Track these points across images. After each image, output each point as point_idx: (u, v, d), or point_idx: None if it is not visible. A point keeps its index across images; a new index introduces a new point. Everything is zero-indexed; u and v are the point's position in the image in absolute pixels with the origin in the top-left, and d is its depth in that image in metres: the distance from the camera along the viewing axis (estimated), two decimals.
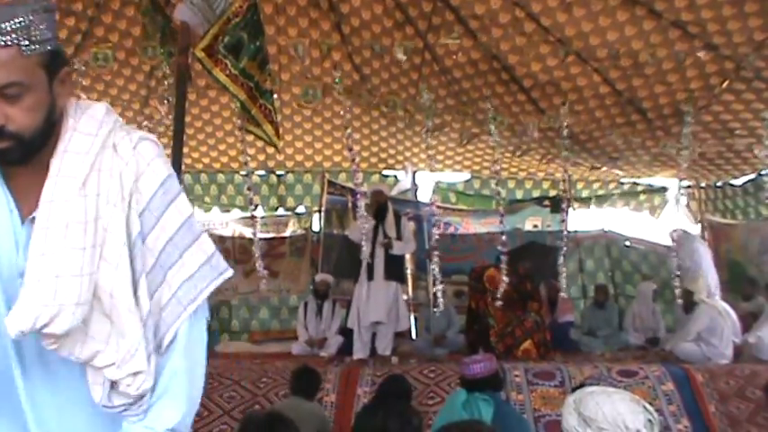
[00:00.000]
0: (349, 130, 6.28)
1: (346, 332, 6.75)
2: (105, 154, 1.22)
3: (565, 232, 6.83)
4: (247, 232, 8.45)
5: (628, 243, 9.55)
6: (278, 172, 9.32)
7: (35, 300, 1.13)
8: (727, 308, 6.39)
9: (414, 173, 9.07)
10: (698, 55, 5.87)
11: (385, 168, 9.27)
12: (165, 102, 5.85)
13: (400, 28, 6.52)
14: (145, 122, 7.50)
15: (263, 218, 9.20)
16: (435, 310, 6.59)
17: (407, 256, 7.30)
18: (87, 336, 1.19)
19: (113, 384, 1.21)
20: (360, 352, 6.22)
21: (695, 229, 8.94)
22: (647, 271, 9.08)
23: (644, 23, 5.78)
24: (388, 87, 7.31)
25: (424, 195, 8.91)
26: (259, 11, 4.87)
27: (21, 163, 1.19)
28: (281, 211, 9.61)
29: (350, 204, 8.37)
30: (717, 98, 6.53)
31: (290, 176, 9.35)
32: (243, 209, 9.07)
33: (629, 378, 5.14)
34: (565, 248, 6.72)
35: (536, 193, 9.67)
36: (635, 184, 9.72)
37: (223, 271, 1.29)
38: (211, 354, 7.46)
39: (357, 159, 6.51)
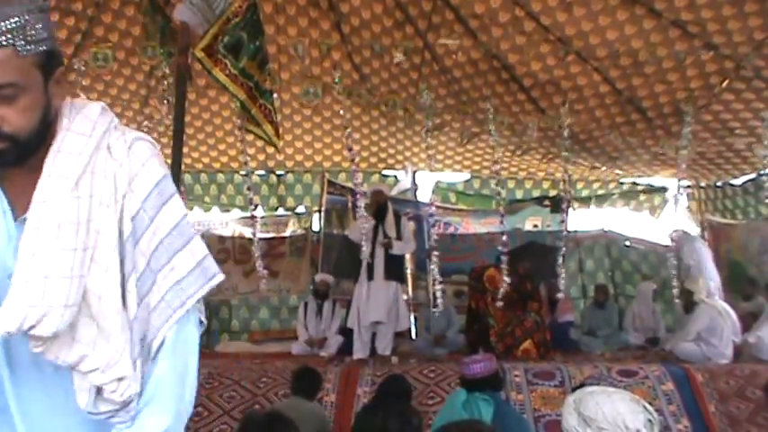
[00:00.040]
0: (349, 130, 6.28)
1: (346, 332, 6.75)
2: (99, 155, 1.21)
3: (564, 232, 6.83)
4: (247, 232, 8.44)
5: (628, 243, 9.55)
6: (278, 172, 9.32)
7: (22, 300, 1.12)
8: (727, 308, 6.39)
9: (414, 173, 9.07)
10: (698, 54, 5.86)
11: (385, 168, 9.27)
12: (165, 101, 5.85)
13: (400, 27, 6.52)
14: (145, 122, 7.50)
15: (262, 218, 9.20)
16: (435, 310, 6.60)
17: (407, 256, 7.30)
18: (74, 339, 1.18)
19: (99, 390, 1.19)
20: (360, 352, 6.22)
21: (695, 230, 8.95)
22: (647, 271, 9.07)
23: (644, 23, 5.78)
24: (387, 87, 7.31)
25: (424, 195, 8.92)
26: (259, 11, 4.87)
27: (16, 164, 1.18)
28: (280, 211, 9.62)
29: (350, 204, 8.37)
30: (717, 97, 6.54)
31: (290, 176, 9.36)
32: (243, 209, 9.07)
33: (629, 378, 5.14)
34: (564, 249, 6.72)
35: (536, 193, 9.68)
36: (635, 183, 9.73)
37: (212, 276, 1.27)
38: (211, 354, 7.55)
39: (357, 159, 6.51)
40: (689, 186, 9.14)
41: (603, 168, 8.93)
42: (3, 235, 1.19)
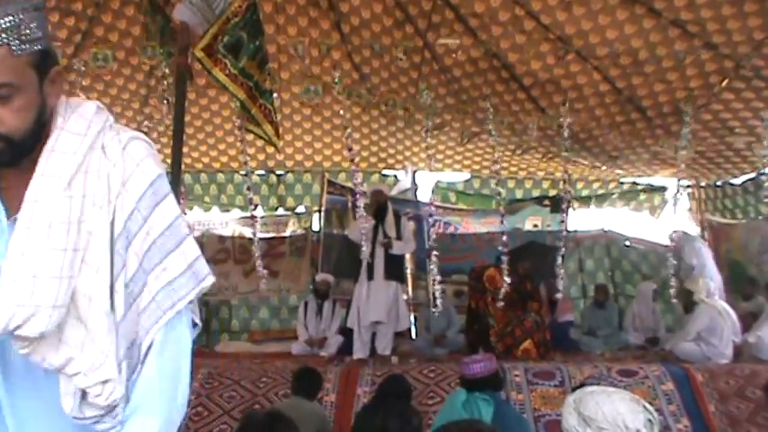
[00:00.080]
0: (349, 130, 6.29)
1: (346, 332, 6.75)
2: (94, 155, 1.19)
3: (564, 233, 6.82)
4: (247, 232, 8.45)
5: (628, 243, 9.55)
6: (278, 172, 9.32)
7: (9, 300, 1.10)
8: (726, 308, 6.39)
9: (414, 172, 9.07)
10: (698, 54, 5.87)
11: (385, 168, 9.27)
12: (165, 101, 5.85)
13: (400, 27, 6.52)
14: (145, 122, 7.50)
15: (262, 218, 9.20)
16: (434, 310, 6.60)
17: (407, 256, 7.30)
18: (61, 341, 1.16)
19: (84, 394, 1.17)
20: (360, 352, 6.22)
21: (695, 229, 8.95)
22: (647, 271, 9.07)
23: (643, 22, 5.79)
24: (387, 86, 7.32)
25: (424, 195, 8.92)
26: (258, 10, 4.87)
27: (11, 165, 1.17)
28: (280, 211, 9.62)
29: (350, 204, 8.37)
30: (716, 96, 6.54)
31: (290, 176, 9.36)
32: (243, 209, 9.08)
33: (629, 378, 5.14)
34: (563, 249, 6.71)
35: (536, 193, 9.68)
36: (635, 183, 9.73)
37: (203, 278, 1.25)
38: (211, 354, 7.54)
39: (356, 159, 6.51)
40: (689, 186, 9.14)
41: (603, 168, 8.93)
42: None
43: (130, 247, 1.20)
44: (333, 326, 7.27)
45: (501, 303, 6.39)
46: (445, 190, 9.75)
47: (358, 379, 5.27)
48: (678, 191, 7.52)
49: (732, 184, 8.93)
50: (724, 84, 6.32)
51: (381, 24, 6.55)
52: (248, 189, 6.12)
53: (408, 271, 8.00)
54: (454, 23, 6.34)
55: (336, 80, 6.19)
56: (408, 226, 7.30)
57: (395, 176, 9.39)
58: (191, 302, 1.26)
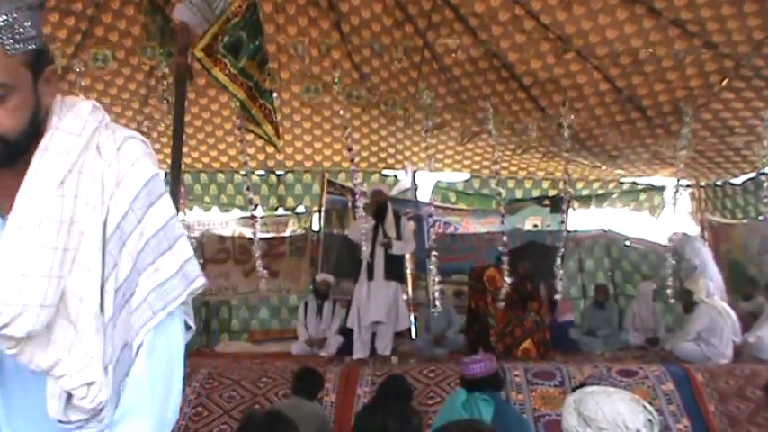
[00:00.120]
0: (349, 130, 6.29)
1: (346, 332, 6.75)
2: (88, 155, 1.18)
3: (564, 233, 6.82)
4: (247, 232, 8.45)
5: (628, 243, 9.55)
6: (277, 172, 9.32)
7: None
8: (726, 308, 6.39)
9: (413, 172, 9.07)
10: (698, 54, 5.87)
11: (385, 168, 9.27)
12: (165, 101, 5.85)
13: (400, 26, 6.51)
14: (145, 122, 7.51)
15: (262, 218, 9.21)
16: (434, 310, 6.60)
17: (407, 256, 7.30)
18: (50, 342, 1.14)
19: (69, 397, 1.15)
20: (360, 352, 6.22)
21: (695, 229, 8.96)
22: (647, 271, 9.07)
23: (643, 21, 5.79)
24: (387, 86, 7.31)
25: (424, 195, 8.93)
26: (258, 10, 4.87)
27: (5, 165, 1.16)
28: (280, 211, 9.62)
29: (350, 204, 8.37)
30: (716, 96, 6.54)
31: (290, 176, 9.36)
32: (243, 209, 9.08)
33: (629, 378, 5.13)
34: (563, 249, 6.71)
35: (536, 193, 9.68)
36: (635, 183, 9.73)
37: (193, 280, 1.23)
38: (211, 354, 7.55)
39: (356, 159, 6.51)
40: (689, 186, 9.15)
41: (603, 167, 8.93)
42: None
43: (124, 248, 1.18)
44: (333, 326, 7.27)
45: (502, 304, 6.38)
46: (445, 190, 9.76)
47: (358, 379, 5.27)
48: (677, 190, 7.52)
49: (732, 184, 8.93)
50: (724, 83, 6.32)
51: (381, 24, 6.55)
52: (248, 189, 6.12)
53: (408, 271, 8.00)
54: (454, 23, 6.34)
55: (336, 80, 6.20)
56: (408, 226, 7.30)
57: (395, 176, 9.39)
58: (183, 304, 1.23)
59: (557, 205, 8.30)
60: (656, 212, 9.55)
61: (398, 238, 6.32)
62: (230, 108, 6.96)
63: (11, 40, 1.10)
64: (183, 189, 6.89)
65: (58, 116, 1.20)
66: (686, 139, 6.66)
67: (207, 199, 9.30)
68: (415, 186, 9.06)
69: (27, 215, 1.12)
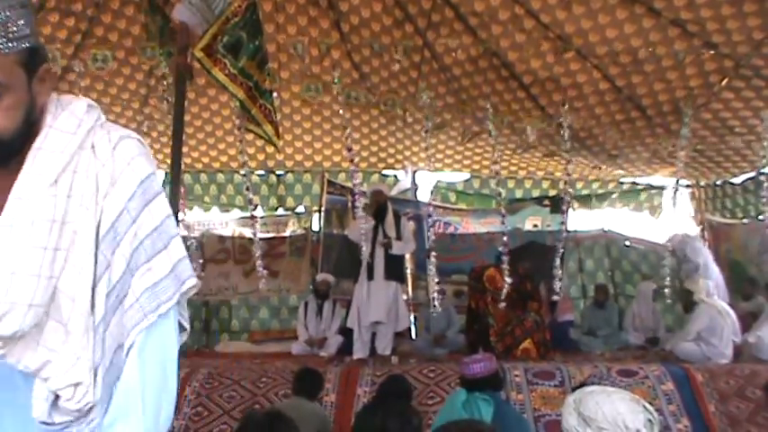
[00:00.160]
0: (348, 130, 6.29)
1: (346, 332, 6.75)
2: (83, 155, 1.16)
3: (564, 234, 6.82)
4: (247, 232, 8.45)
5: (627, 243, 9.55)
6: (277, 172, 9.32)
7: None
8: (726, 308, 6.39)
9: (413, 172, 9.07)
10: (698, 54, 5.87)
11: (385, 168, 9.27)
12: (165, 101, 5.85)
13: (399, 26, 6.52)
14: (145, 122, 7.51)
15: (262, 218, 9.21)
16: (432, 310, 6.60)
17: (407, 256, 7.30)
18: (39, 343, 1.12)
19: (56, 398, 1.13)
20: (360, 352, 6.21)
21: (695, 229, 8.96)
22: (647, 271, 9.07)
23: (643, 21, 5.79)
24: (387, 86, 7.31)
25: (424, 195, 8.93)
26: (258, 10, 4.86)
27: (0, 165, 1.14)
28: (280, 211, 9.62)
29: (350, 204, 8.37)
30: (716, 96, 6.54)
31: (290, 176, 9.36)
32: (242, 209, 9.08)
33: (629, 378, 5.13)
34: (563, 250, 6.71)
35: (536, 193, 9.68)
36: (635, 183, 9.73)
37: (184, 280, 1.20)
38: (211, 354, 7.54)
39: (356, 159, 6.51)
40: (688, 186, 9.15)
41: (603, 167, 8.93)
42: None
43: (118, 249, 1.16)
44: (333, 326, 7.27)
45: (503, 304, 6.38)
46: (445, 190, 9.76)
47: (358, 379, 5.27)
48: (677, 190, 7.52)
49: (732, 184, 8.93)
50: (724, 83, 6.32)
51: (381, 23, 6.55)
52: (247, 189, 6.11)
53: (408, 271, 8.00)
54: (454, 22, 6.34)
55: (336, 80, 6.20)
56: (408, 226, 7.30)
57: (395, 176, 9.40)
58: (178, 305, 1.21)
59: (557, 205, 8.30)
60: (656, 212, 9.55)
61: (398, 238, 6.32)
62: (230, 108, 6.96)
63: (4, 39, 1.08)
64: (182, 189, 6.88)
65: (53, 115, 1.18)
66: (686, 138, 6.66)
67: (207, 199, 9.30)
68: (414, 186, 9.06)
69: (19, 214, 1.11)
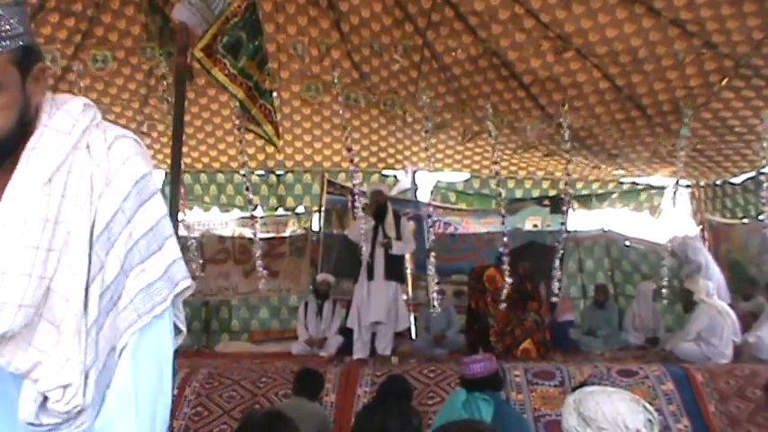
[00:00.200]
0: (349, 129, 6.29)
1: (346, 332, 6.75)
2: (78, 154, 1.15)
3: (564, 234, 6.81)
4: (247, 232, 8.45)
5: (628, 243, 9.55)
6: (277, 172, 9.32)
7: None
8: (726, 308, 6.39)
9: (413, 172, 9.07)
10: (698, 53, 5.87)
11: (384, 168, 9.27)
12: (165, 101, 5.85)
13: (399, 25, 6.51)
14: (145, 122, 7.51)
15: (262, 218, 9.21)
16: (432, 311, 6.60)
17: (407, 256, 7.30)
18: (30, 344, 1.11)
19: (45, 400, 1.11)
20: (360, 352, 6.21)
21: (695, 229, 8.96)
22: (647, 271, 9.07)
23: (643, 21, 5.79)
24: (387, 85, 7.31)
25: (424, 195, 8.93)
26: (258, 10, 4.86)
27: None
28: (280, 210, 9.62)
29: (350, 204, 8.37)
30: (716, 95, 6.54)
31: (290, 176, 9.36)
32: (242, 209, 9.08)
33: (629, 378, 5.13)
34: (562, 251, 6.71)
35: (535, 193, 9.68)
36: (635, 183, 9.73)
37: (178, 282, 1.18)
38: (211, 354, 7.54)
39: (356, 159, 6.51)
40: (688, 186, 9.15)
41: (603, 167, 8.93)
42: None
43: (112, 250, 1.15)
44: (333, 326, 7.27)
45: (503, 305, 6.38)
46: (445, 190, 9.76)
47: (358, 379, 5.27)
48: (677, 190, 7.52)
49: (732, 183, 8.93)
50: (724, 82, 6.32)
51: (381, 23, 6.55)
52: (247, 189, 6.11)
53: (408, 271, 8.00)
54: (454, 22, 6.34)
55: (336, 81, 6.20)
56: (408, 226, 7.30)
57: (395, 176, 9.40)
58: (173, 306, 1.20)
59: (557, 205, 8.30)
60: (656, 212, 9.55)
61: (398, 238, 6.32)
62: (230, 108, 6.95)
63: None
64: (183, 189, 6.89)
65: (48, 114, 1.17)
66: (686, 138, 6.66)
67: (207, 199, 9.30)
68: (414, 186, 9.06)
69: (12, 214, 1.10)
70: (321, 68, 6.94)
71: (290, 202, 9.42)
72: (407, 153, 8.83)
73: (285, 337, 8.17)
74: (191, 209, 9.16)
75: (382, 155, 8.91)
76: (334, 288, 7.78)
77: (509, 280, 6.29)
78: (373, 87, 7.34)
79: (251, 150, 8.17)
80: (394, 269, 6.35)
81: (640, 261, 9.41)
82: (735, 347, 6.17)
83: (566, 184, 7.05)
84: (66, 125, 1.16)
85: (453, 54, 6.60)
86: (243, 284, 8.67)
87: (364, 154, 8.67)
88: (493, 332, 6.48)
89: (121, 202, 1.16)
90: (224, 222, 9.65)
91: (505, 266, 6.31)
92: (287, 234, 9.50)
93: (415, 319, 8.17)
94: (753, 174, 8.21)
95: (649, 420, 1.95)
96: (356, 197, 6.31)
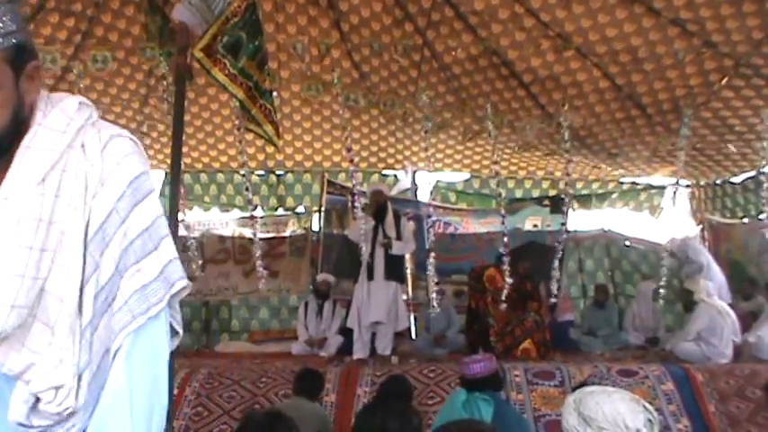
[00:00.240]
0: (349, 129, 6.29)
1: (346, 332, 6.75)
2: (72, 153, 1.14)
3: (564, 234, 6.81)
4: (247, 232, 8.45)
5: (628, 243, 9.55)
6: (277, 172, 9.33)
7: None
8: (726, 308, 6.39)
9: (413, 172, 9.07)
10: (698, 53, 5.87)
11: (384, 168, 9.27)
12: (165, 101, 5.85)
13: (399, 25, 6.52)
14: (145, 122, 7.51)
15: (262, 218, 9.21)
16: (431, 311, 6.60)
17: (407, 256, 7.30)
18: (24, 346, 1.10)
19: (37, 401, 1.10)
20: (360, 352, 6.21)
21: (695, 229, 8.96)
22: (647, 271, 9.07)
23: (643, 21, 5.79)
24: (387, 85, 7.31)
25: (424, 195, 8.93)
26: (258, 10, 4.86)
27: None
28: (280, 210, 9.62)
29: (350, 204, 8.37)
30: (716, 94, 6.54)
31: (290, 176, 9.37)
32: (242, 209, 9.09)
33: (629, 378, 5.13)
34: (562, 251, 6.71)
35: (535, 193, 9.68)
36: (635, 183, 9.73)
37: (173, 282, 1.16)
38: (211, 354, 7.54)
39: (356, 159, 6.51)
40: (688, 185, 9.15)
41: (603, 166, 8.93)
42: None
43: (107, 250, 1.13)
44: (333, 326, 7.27)
45: (504, 306, 6.37)
46: (445, 190, 9.76)
47: (358, 379, 5.27)
48: (676, 189, 7.52)
49: (732, 183, 8.93)
50: (723, 82, 6.32)
51: (381, 22, 6.55)
52: (247, 189, 6.11)
53: (408, 271, 8.00)
54: (454, 21, 6.34)
55: (336, 81, 6.20)
56: (408, 226, 7.30)
57: (395, 176, 9.40)
58: (170, 307, 1.18)
59: (557, 205, 8.30)
60: (656, 212, 9.56)
61: (398, 238, 6.31)
62: (230, 108, 6.95)
63: None
64: (183, 189, 6.89)
65: (43, 112, 1.16)
66: (686, 137, 6.67)
67: (207, 199, 9.31)
68: (414, 186, 9.06)
69: (6, 214, 1.08)
70: (321, 68, 6.94)
71: (290, 202, 9.42)
72: (407, 153, 8.83)
73: (285, 337, 8.16)
74: (191, 209, 9.16)
75: (382, 155, 8.91)
76: (334, 288, 7.78)
77: (509, 280, 6.29)
78: (373, 87, 7.34)
79: (251, 150, 8.17)
80: (394, 269, 6.34)
81: (640, 261, 9.41)
82: (735, 347, 6.17)
83: (566, 184, 7.05)
84: (61, 124, 1.15)
85: (453, 53, 6.60)
86: (243, 284, 8.67)
87: (364, 154, 8.67)
88: (493, 332, 6.48)
89: (116, 201, 1.14)
90: (224, 222, 9.64)
91: (505, 266, 6.31)
92: (287, 234, 9.49)
93: (415, 319, 8.17)
94: (753, 173, 8.22)
95: (649, 420, 1.95)
96: (356, 197, 6.31)
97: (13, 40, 1.09)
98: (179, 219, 4.07)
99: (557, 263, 6.59)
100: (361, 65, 7.17)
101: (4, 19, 1.07)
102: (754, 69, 6.13)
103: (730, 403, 5.00)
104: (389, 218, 6.35)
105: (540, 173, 9.47)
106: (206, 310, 8.95)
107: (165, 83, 5.84)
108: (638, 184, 9.72)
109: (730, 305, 6.59)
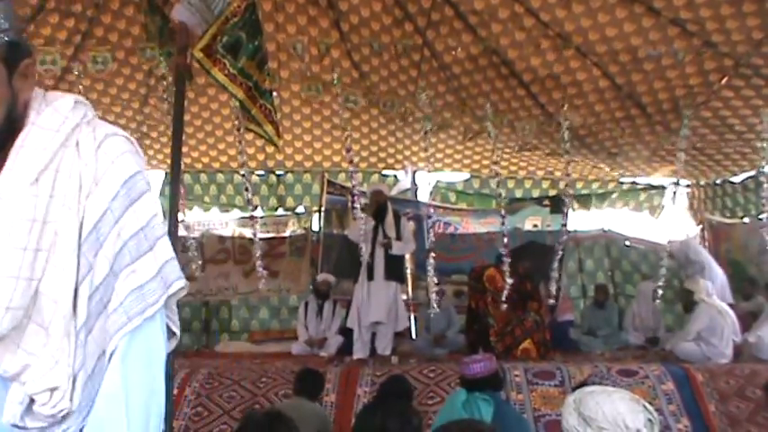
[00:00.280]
0: (348, 129, 6.30)
1: (346, 332, 6.75)
2: (66, 153, 1.12)
3: (564, 235, 6.81)
4: (247, 232, 8.45)
5: (628, 243, 9.55)
6: (277, 172, 9.33)
7: None
8: (726, 307, 6.39)
9: (413, 172, 9.07)
10: (698, 53, 5.87)
11: (384, 168, 9.27)
12: (165, 101, 5.85)
13: (399, 24, 6.51)
14: (145, 122, 7.51)
15: (262, 218, 9.22)
16: (431, 311, 6.60)
17: (407, 256, 7.30)
18: (19, 347, 1.09)
19: (32, 402, 1.10)
20: (360, 352, 6.21)
21: (695, 229, 8.96)
22: (647, 271, 9.07)
23: (642, 20, 5.79)
24: (387, 85, 7.31)
25: (424, 195, 8.93)
26: (257, 10, 4.86)
27: None
28: (280, 211, 9.62)
29: (350, 204, 8.37)
30: (716, 94, 6.55)
31: (290, 176, 9.37)
32: (242, 209, 9.09)
33: (629, 378, 5.13)
34: (561, 252, 6.71)
35: (535, 193, 9.68)
36: (635, 183, 9.73)
37: (171, 283, 1.15)
38: (211, 354, 7.54)
39: (356, 159, 6.51)
40: (688, 185, 9.15)
41: (603, 166, 8.93)
42: None
43: (101, 251, 1.12)
44: (333, 326, 7.27)
45: (504, 306, 6.37)
46: (445, 190, 9.76)
47: (358, 379, 5.27)
48: (676, 189, 7.52)
49: (732, 183, 8.93)
50: (723, 81, 6.32)
51: (380, 22, 6.55)
52: (247, 189, 6.11)
53: (408, 271, 8.00)
54: (453, 21, 6.34)
55: (336, 81, 6.20)
56: (408, 226, 7.30)
57: (395, 176, 9.40)
58: (166, 308, 1.17)
59: (557, 205, 8.30)
60: (656, 212, 9.55)
61: (398, 238, 6.32)
62: (230, 108, 6.95)
63: None
64: (183, 189, 6.89)
65: (37, 111, 1.14)
66: (686, 137, 6.67)
67: (207, 199, 9.31)
68: (414, 186, 9.06)
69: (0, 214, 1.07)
70: (321, 68, 6.94)
71: (290, 202, 9.42)
72: (407, 153, 8.83)
73: (285, 337, 8.16)
74: (191, 209, 9.16)
75: (382, 155, 8.91)
76: (334, 288, 7.78)
77: (509, 280, 6.29)
78: (373, 87, 7.34)
79: (251, 150, 8.17)
80: (394, 269, 6.35)
81: (640, 261, 9.41)
82: (735, 347, 6.17)
83: (566, 184, 7.05)
84: (55, 123, 1.13)
85: (453, 53, 6.60)
86: (243, 284, 8.67)
87: (364, 154, 8.67)
88: (493, 332, 6.48)
89: (110, 201, 1.13)
90: (224, 222, 9.64)
91: (505, 266, 6.31)
92: (287, 234, 9.49)
93: (415, 319, 8.17)
94: (753, 173, 8.21)
95: (649, 420, 1.95)
96: (356, 197, 6.31)
97: (6, 38, 1.08)
98: (179, 219, 4.07)
99: (557, 263, 6.59)
100: (360, 64, 7.17)
101: None
102: (754, 69, 6.13)
103: (730, 403, 5.00)
104: (389, 218, 6.35)
105: (540, 173, 9.47)
106: (206, 310, 8.95)
107: (164, 83, 5.84)
108: (638, 183, 9.72)
109: (730, 305, 6.59)
